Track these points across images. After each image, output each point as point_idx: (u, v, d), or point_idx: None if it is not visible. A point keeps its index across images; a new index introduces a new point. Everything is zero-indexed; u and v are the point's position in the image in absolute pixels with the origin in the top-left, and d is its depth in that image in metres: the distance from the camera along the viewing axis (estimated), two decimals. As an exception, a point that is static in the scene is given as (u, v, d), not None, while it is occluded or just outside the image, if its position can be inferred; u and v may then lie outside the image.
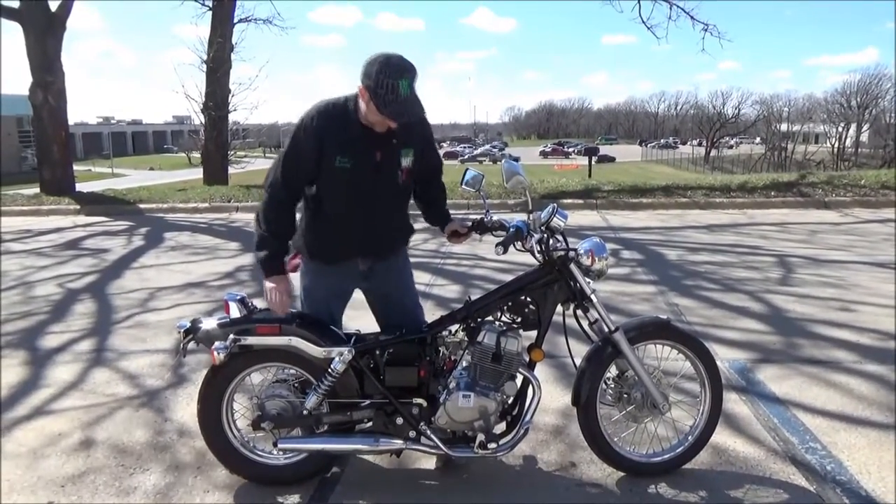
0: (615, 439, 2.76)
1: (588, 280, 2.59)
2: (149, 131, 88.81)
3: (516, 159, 2.90)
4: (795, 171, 11.24)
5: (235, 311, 2.55)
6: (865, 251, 7.09)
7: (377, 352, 2.60)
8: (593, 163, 16.50)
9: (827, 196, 10.43)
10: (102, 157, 60.87)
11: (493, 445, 2.53)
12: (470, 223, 2.80)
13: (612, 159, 47.17)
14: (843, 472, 2.76)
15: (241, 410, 2.79)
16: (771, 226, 8.86)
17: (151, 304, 5.68)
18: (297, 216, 2.66)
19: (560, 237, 2.60)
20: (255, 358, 2.60)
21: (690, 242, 7.87)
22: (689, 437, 2.79)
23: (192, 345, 2.58)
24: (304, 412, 2.57)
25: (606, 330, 2.62)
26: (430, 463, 2.84)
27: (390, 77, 2.28)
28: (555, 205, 2.59)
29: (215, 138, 15.07)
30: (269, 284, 2.54)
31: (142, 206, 11.86)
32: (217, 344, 2.47)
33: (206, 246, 8.39)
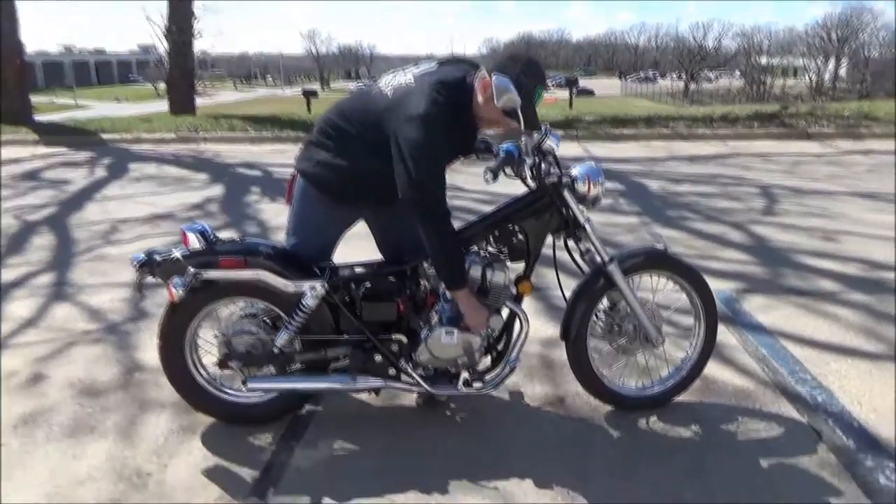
0: (604, 373, 2.64)
1: (581, 208, 2.41)
2: (113, 61, 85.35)
3: None
4: (777, 104, 11.07)
5: (195, 243, 2.33)
6: (849, 182, 6.99)
7: (353, 285, 2.41)
8: (574, 95, 16.13)
9: (809, 127, 10.29)
10: (65, 87, 58.46)
11: (477, 385, 2.39)
12: None
13: (591, 93, 46.30)
14: (834, 404, 2.69)
15: (207, 346, 2.60)
16: (753, 157, 8.72)
17: (114, 237, 5.41)
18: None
19: (552, 161, 2.40)
20: (220, 292, 2.39)
21: (673, 173, 7.72)
22: (681, 371, 2.68)
23: (150, 279, 2.36)
24: (275, 350, 2.39)
25: (599, 261, 2.46)
26: (410, 399, 2.71)
27: (532, 80, 2.15)
28: (547, 125, 2.37)
29: (180, 65, 14.33)
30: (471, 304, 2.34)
31: (105, 136, 11.32)
32: (175, 279, 2.25)
33: (173, 177, 8.03)
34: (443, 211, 2.23)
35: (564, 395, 2.79)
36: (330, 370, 2.44)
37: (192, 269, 2.28)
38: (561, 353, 2.74)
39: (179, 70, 14.36)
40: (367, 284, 2.41)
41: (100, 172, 8.54)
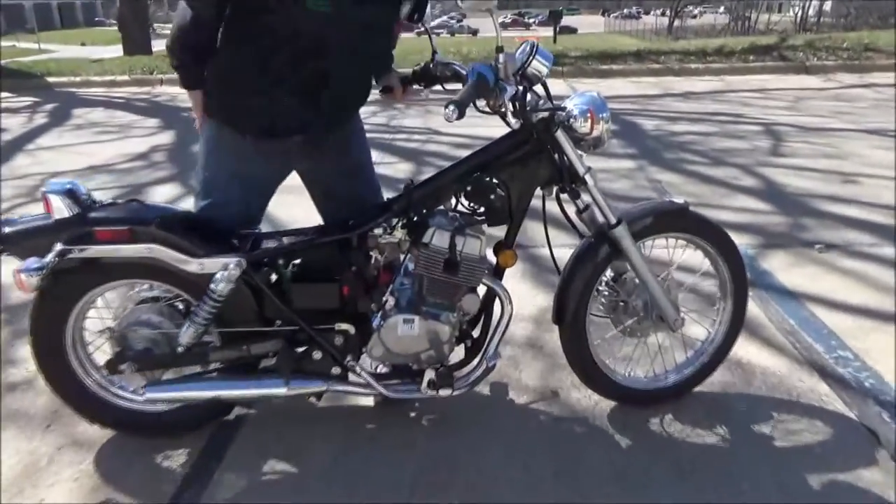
0: (607, 361, 2.11)
1: (579, 153, 1.83)
2: (77, 3, 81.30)
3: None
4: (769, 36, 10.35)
5: (62, 209, 1.73)
6: (855, 118, 6.43)
7: (281, 261, 1.83)
8: (556, 32, 15.23)
9: (808, 60, 9.66)
10: (27, 31, 55.49)
11: (446, 391, 1.85)
12: (410, 72, 1.97)
13: (573, 30, 44.74)
14: (887, 391, 2.19)
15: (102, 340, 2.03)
16: (751, 92, 8.11)
17: (40, 194, 4.73)
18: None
19: (542, 91, 1.80)
20: (101, 275, 1.81)
21: (668, 111, 7.10)
22: (702, 356, 2.15)
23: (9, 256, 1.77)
24: (180, 349, 1.82)
25: (603, 222, 1.90)
26: (365, 397, 2.17)
27: None
28: (534, 41, 1.76)
29: (132, 2, 13.25)
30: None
31: (50, 79, 10.43)
32: (27, 263, 1.66)
33: (120, 123, 7.27)
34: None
35: (558, 386, 2.26)
36: (259, 370, 1.89)
37: (59, 247, 1.69)
38: (554, 333, 2.20)
39: (130, 8, 13.28)
40: (299, 260, 1.84)
41: (39, 119, 7.75)
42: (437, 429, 2.06)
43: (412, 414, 2.12)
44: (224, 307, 1.80)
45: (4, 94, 9.67)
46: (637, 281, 2.03)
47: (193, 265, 1.73)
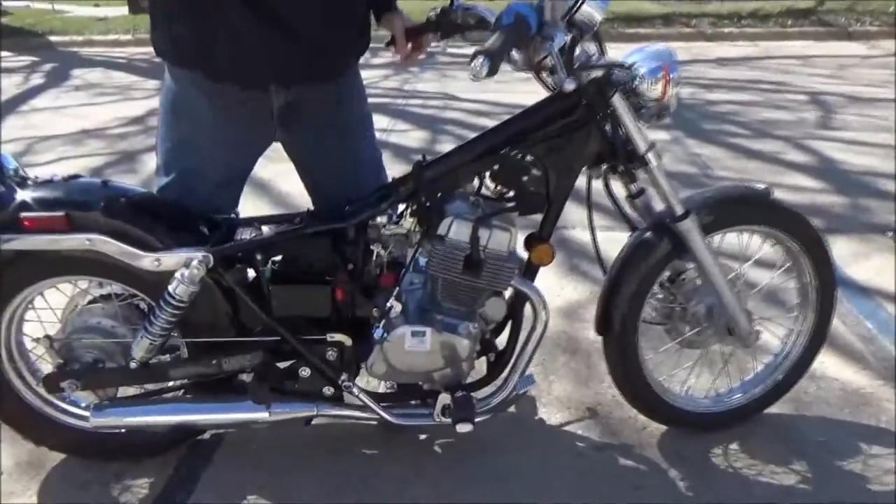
0: (660, 379, 1.74)
1: (641, 124, 1.43)
2: None
3: None
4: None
5: (-19, 187, 1.36)
6: (909, 88, 5.91)
7: (259, 256, 1.46)
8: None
9: (851, 25, 9.03)
10: (38, -10, 54.91)
11: (464, 426, 1.47)
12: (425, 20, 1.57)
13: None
14: None
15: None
16: (791, 59, 7.54)
17: (29, 158, 4.39)
18: None
19: (595, 45, 1.41)
20: (37, 270, 1.45)
21: (703, 78, 6.58)
22: (775, 373, 1.77)
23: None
24: (133, 363, 1.47)
25: (664, 212, 1.51)
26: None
27: None
28: (583, -23, 1.35)
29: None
30: None
31: (54, 38, 10.03)
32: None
33: (119, 85, 6.89)
34: None
35: (597, 403, 1.90)
36: (235, 389, 1.53)
37: (-25, 235, 1.33)
38: (589, 332, 1.84)
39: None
40: (282, 255, 1.47)
41: (36, 80, 7.37)
42: (450, 456, 1.71)
43: (421, 437, 1.77)
44: (190, 312, 1.44)
45: (4, 54, 9.28)
46: (699, 282, 1.65)
47: (147, 260, 1.37)
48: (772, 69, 7.00)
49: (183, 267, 1.37)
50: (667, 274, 1.67)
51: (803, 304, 1.73)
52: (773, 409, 1.82)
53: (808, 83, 6.20)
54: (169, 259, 1.38)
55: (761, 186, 1.61)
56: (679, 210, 1.49)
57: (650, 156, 1.43)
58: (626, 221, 1.65)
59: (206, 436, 1.75)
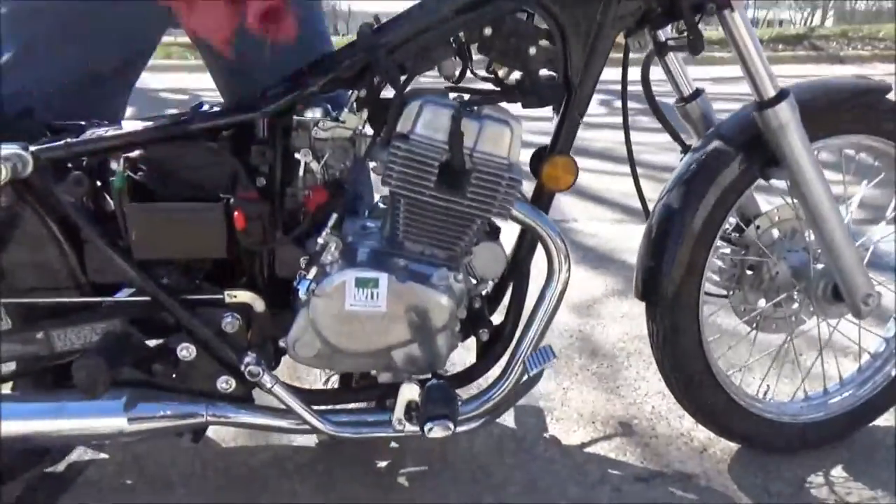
0: (728, 373, 1.19)
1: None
2: None
3: None
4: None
5: None
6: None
7: (119, 164, 0.91)
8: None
9: (842, 50, 8.86)
10: None
11: (441, 427, 0.91)
12: None
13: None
14: None
15: None
16: (784, 79, 7.25)
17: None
18: None
19: None
20: None
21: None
22: (888, 366, 1.23)
23: None
24: None
25: (754, 94, 1.01)
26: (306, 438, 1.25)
27: None
28: None
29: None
30: None
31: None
32: None
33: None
34: None
35: (631, 416, 1.34)
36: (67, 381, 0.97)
37: None
38: (611, 330, 1.29)
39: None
40: (153, 159, 0.92)
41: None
42: (421, 488, 1.14)
43: (382, 463, 1.20)
44: (7, 254, 0.90)
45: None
46: (779, 230, 1.14)
47: None
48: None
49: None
50: (732, 220, 1.16)
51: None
52: (885, 420, 1.28)
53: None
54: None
55: (880, 80, 1.11)
56: (770, 89, 0.98)
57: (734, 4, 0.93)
58: (674, 136, 1.16)
59: (59, 468, 1.17)
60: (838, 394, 1.24)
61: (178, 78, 8.71)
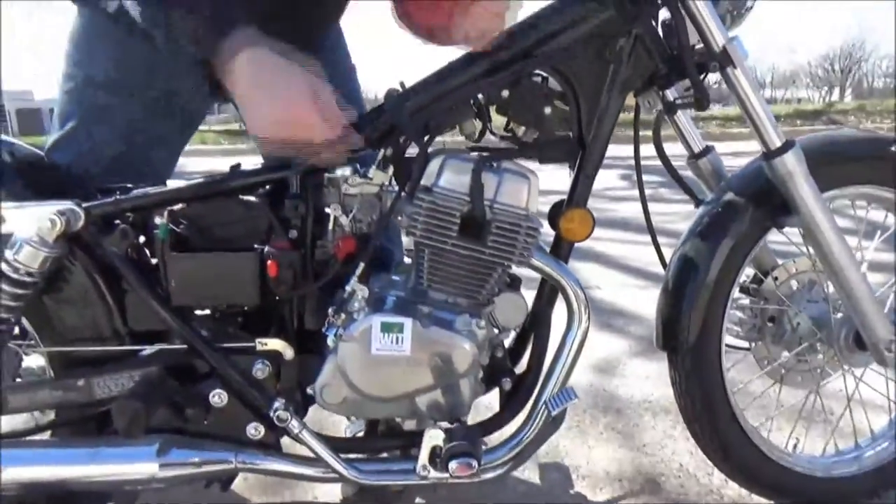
0: (755, 426, 1.18)
1: (719, 26, 1.00)
2: (43, 108, 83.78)
3: None
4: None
5: None
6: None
7: (162, 218, 0.98)
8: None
9: (860, 123, 8.98)
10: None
11: (463, 469, 0.92)
12: None
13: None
14: None
15: None
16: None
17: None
18: None
19: None
20: None
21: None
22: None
23: None
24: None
25: (764, 149, 1.06)
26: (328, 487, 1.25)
27: None
28: None
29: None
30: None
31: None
32: None
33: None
34: None
35: (661, 472, 1.33)
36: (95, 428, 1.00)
37: None
38: (632, 386, 1.30)
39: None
40: (191, 217, 0.99)
41: None
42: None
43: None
44: (55, 305, 0.95)
45: None
46: (797, 282, 1.16)
47: (-30, 211, 0.90)
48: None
49: (37, 222, 0.90)
50: (748, 272, 1.19)
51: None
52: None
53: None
54: (16, 213, 0.91)
55: (887, 135, 1.15)
56: (777, 139, 1.02)
57: (731, 48, 0.98)
58: (687, 191, 1.20)
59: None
60: (871, 448, 1.22)
61: (212, 161, 9.01)
